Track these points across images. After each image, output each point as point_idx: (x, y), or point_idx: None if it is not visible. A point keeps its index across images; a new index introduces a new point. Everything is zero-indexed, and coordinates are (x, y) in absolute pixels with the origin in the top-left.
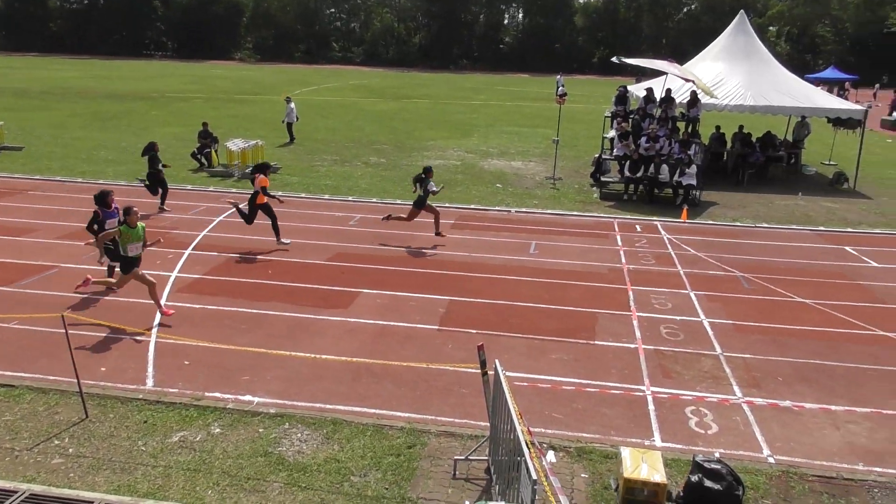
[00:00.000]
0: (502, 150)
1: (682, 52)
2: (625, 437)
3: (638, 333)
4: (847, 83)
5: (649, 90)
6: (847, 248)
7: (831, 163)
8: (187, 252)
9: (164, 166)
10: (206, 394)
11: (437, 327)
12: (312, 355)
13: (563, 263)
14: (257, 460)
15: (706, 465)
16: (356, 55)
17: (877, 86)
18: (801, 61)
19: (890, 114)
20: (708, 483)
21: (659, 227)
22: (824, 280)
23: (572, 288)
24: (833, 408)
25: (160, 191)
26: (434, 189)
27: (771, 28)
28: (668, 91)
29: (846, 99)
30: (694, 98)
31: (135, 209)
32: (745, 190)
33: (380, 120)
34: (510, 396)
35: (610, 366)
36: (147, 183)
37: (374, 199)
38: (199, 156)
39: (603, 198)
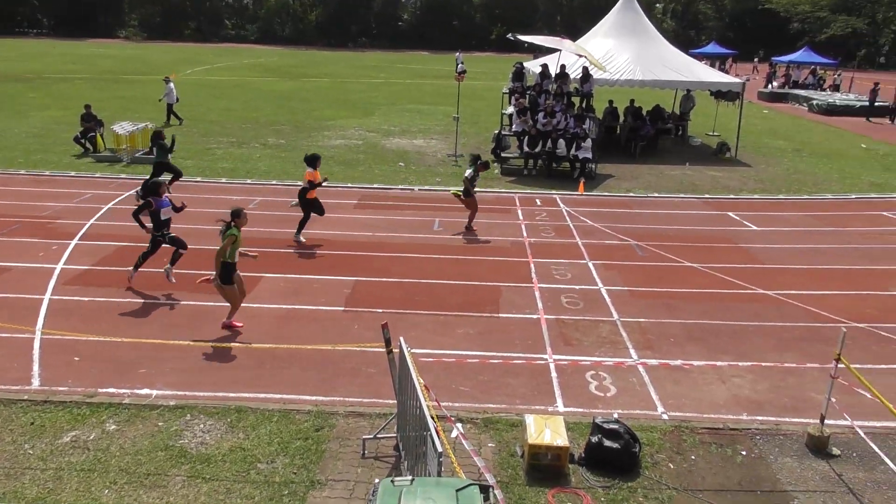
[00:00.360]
0: (404, 129)
1: (576, 29)
2: (529, 405)
3: (540, 304)
4: (728, 58)
5: (544, 66)
6: (730, 213)
7: (715, 133)
8: (73, 242)
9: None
10: (100, 390)
11: (342, 308)
12: (214, 344)
13: (466, 239)
14: (157, 455)
15: (605, 425)
16: (250, 33)
17: (756, 59)
18: (685, 37)
19: (766, 86)
20: (607, 443)
21: (558, 200)
22: (710, 245)
23: (476, 263)
24: (719, 364)
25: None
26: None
27: (657, 5)
28: (563, 67)
29: (727, 73)
30: (586, 73)
31: (244, 210)
32: (637, 161)
33: (277, 100)
34: (415, 372)
35: (514, 337)
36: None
37: (275, 182)
38: (82, 140)
39: (504, 173)
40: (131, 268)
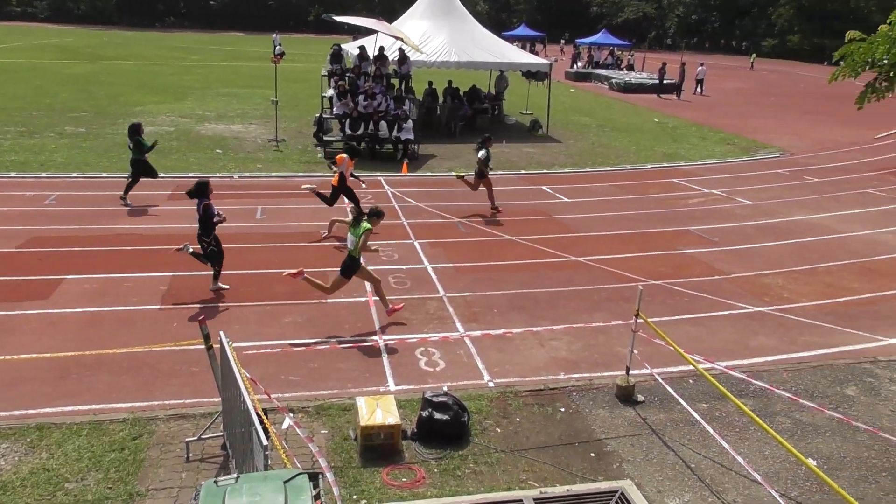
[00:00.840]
0: (220, 114)
1: (393, 11)
2: (361, 388)
3: (368, 287)
4: (538, 41)
5: (362, 48)
6: (544, 187)
7: (528, 112)
8: None
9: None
10: None
11: (158, 307)
12: (6, 357)
13: (292, 226)
14: None
15: (434, 399)
16: (39, 10)
17: (562, 41)
18: (497, 20)
19: (571, 66)
20: (437, 415)
21: (383, 181)
22: (527, 218)
23: (302, 250)
24: (538, 329)
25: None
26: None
27: None
28: (381, 49)
29: (536, 54)
30: (403, 55)
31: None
32: (457, 141)
33: (75, 84)
34: (237, 366)
35: (343, 322)
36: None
37: (75, 174)
38: None
39: (327, 157)
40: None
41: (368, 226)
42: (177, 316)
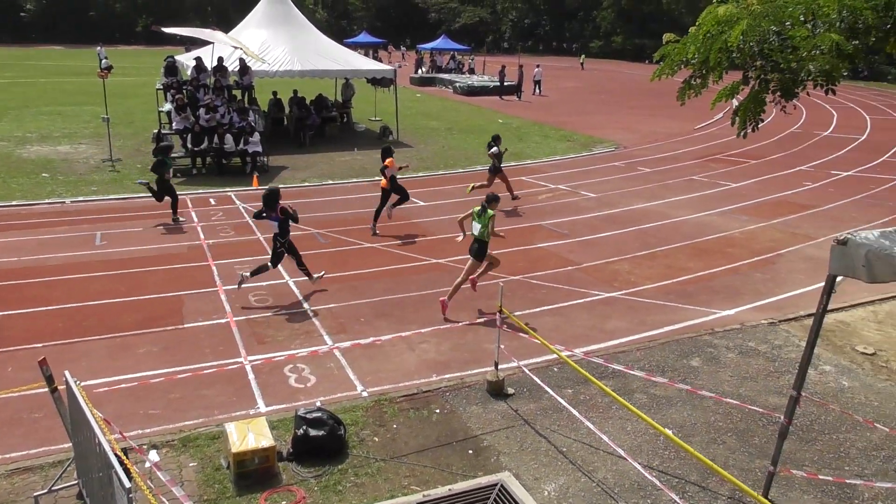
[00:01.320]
0: (44, 134)
1: (229, 20)
2: (229, 413)
3: (227, 307)
4: (381, 47)
5: (199, 60)
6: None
7: (377, 118)
8: None
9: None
10: None
11: None
12: None
13: (136, 250)
14: None
15: (308, 416)
16: None
17: (403, 48)
18: (338, 27)
19: (415, 72)
20: (312, 432)
21: (233, 197)
22: (386, 224)
23: (151, 274)
24: (406, 334)
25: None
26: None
27: None
28: (220, 60)
29: (379, 60)
30: (244, 66)
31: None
32: (308, 151)
33: None
34: (87, 407)
35: (203, 346)
36: (153, 188)
37: None
38: None
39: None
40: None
41: (492, 212)
42: (11, 359)
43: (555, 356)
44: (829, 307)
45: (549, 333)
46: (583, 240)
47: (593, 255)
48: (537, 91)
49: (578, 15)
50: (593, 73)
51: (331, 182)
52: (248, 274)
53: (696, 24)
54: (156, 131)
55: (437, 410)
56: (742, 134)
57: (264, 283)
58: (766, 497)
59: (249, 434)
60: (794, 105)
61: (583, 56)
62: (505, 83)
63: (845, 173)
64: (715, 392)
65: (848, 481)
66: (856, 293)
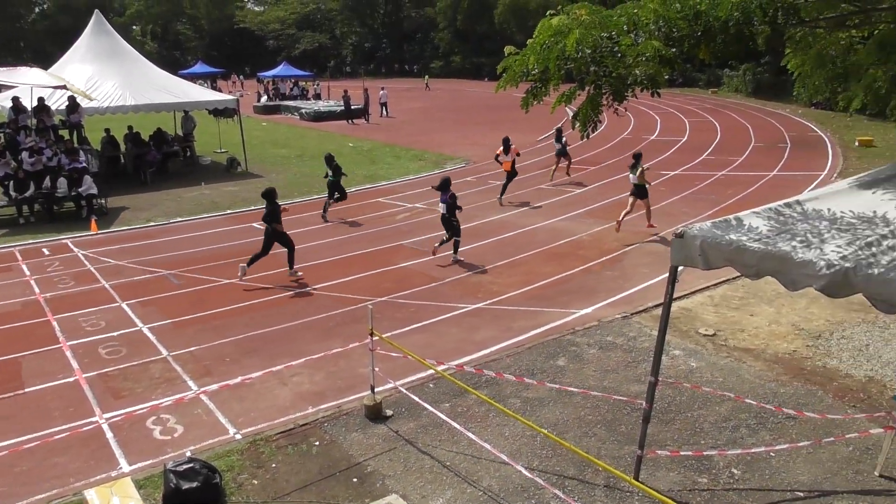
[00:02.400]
0: None
1: (46, 56)
2: (88, 479)
3: (75, 364)
4: (220, 76)
5: (16, 100)
6: (255, 224)
7: (223, 150)
8: None
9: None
10: None
11: None
12: None
13: None
14: None
15: (178, 468)
16: None
17: (241, 76)
18: (171, 58)
19: (258, 100)
20: (185, 485)
21: (70, 244)
22: (242, 259)
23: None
24: (277, 368)
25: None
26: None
27: (135, 27)
28: (41, 99)
29: (219, 90)
30: (74, 103)
31: None
32: (150, 189)
33: None
34: None
35: (51, 409)
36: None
37: None
38: None
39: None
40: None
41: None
42: None
43: (430, 372)
44: (674, 296)
45: (421, 350)
46: (444, 255)
47: (456, 269)
48: (384, 113)
49: (417, 37)
50: (438, 93)
51: (179, 220)
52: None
53: (534, 35)
54: None
55: (317, 443)
56: (585, 135)
57: (115, 334)
58: (637, 479)
59: (114, 498)
60: (625, 109)
61: (427, 77)
62: (351, 107)
63: (673, 173)
64: (582, 387)
65: (705, 453)
66: (693, 281)
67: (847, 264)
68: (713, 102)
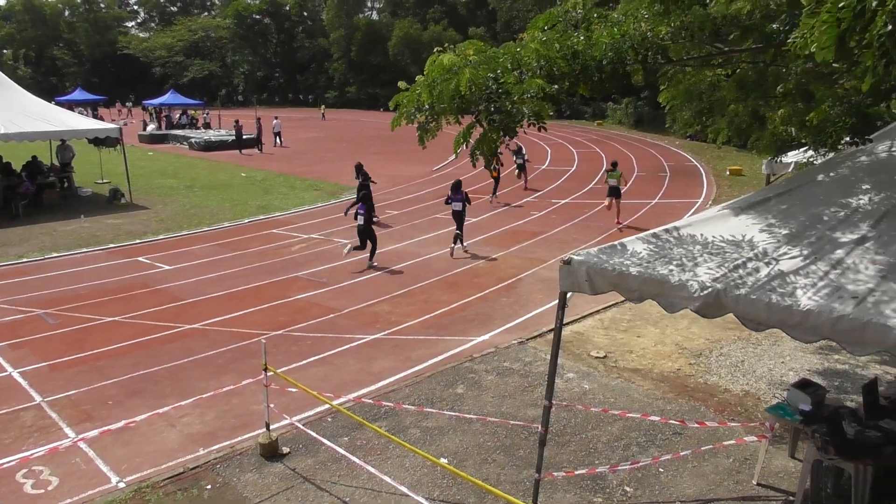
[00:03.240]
0: None
1: None
2: None
3: None
4: (101, 104)
5: None
6: (140, 258)
7: (105, 181)
8: None
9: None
10: None
11: None
12: None
13: None
14: None
15: None
16: None
17: (128, 104)
18: (47, 85)
19: (144, 129)
20: None
21: None
22: (128, 294)
23: None
24: (163, 410)
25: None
26: None
27: (5, 51)
28: None
29: (100, 118)
30: None
31: None
32: (22, 223)
33: None
34: None
35: None
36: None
37: None
38: None
39: None
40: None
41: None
42: None
43: (327, 406)
44: (565, 320)
45: (318, 384)
46: (342, 286)
47: (353, 299)
48: (278, 142)
49: (311, 67)
50: (334, 123)
51: (55, 255)
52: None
53: (425, 71)
54: None
55: (209, 486)
56: (493, 171)
57: None
58: (535, 503)
59: None
60: (515, 142)
61: (323, 106)
62: (242, 137)
63: (563, 201)
64: (480, 414)
65: (598, 471)
66: (584, 305)
67: (718, 286)
68: (598, 134)
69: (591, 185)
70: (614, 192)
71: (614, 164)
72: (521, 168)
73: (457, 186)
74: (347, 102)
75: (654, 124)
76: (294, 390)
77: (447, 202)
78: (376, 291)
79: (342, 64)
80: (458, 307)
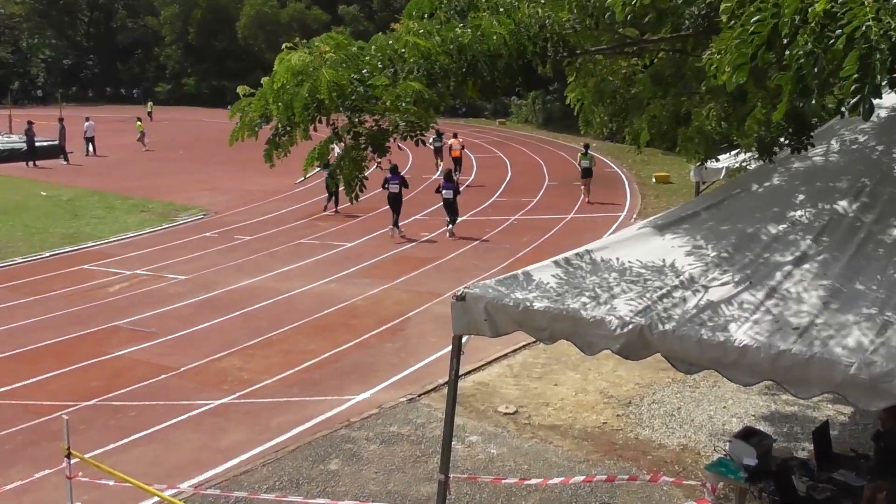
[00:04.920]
0: None
1: None
2: None
3: None
4: None
5: None
6: None
7: None
8: None
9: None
10: None
11: None
12: None
13: None
14: None
15: None
16: None
17: None
18: None
19: None
20: None
21: None
22: None
23: None
24: None
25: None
26: None
27: None
28: None
29: None
30: None
31: None
32: None
33: None
34: None
35: None
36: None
37: None
38: None
39: None
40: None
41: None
42: None
43: (156, 500)
44: (466, 368)
45: (146, 469)
46: (176, 336)
47: (193, 353)
48: (90, 150)
49: (136, 54)
50: (165, 124)
51: None
52: None
53: (272, 73)
54: None
55: None
56: (353, 197)
57: None
58: None
59: None
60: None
61: (150, 104)
62: (35, 144)
63: (460, 219)
64: (361, 496)
65: None
66: (488, 348)
67: (640, 321)
68: (501, 135)
69: (493, 199)
70: (587, 174)
71: (587, 147)
72: (438, 151)
73: (448, 174)
74: (185, 98)
75: (567, 123)
76: (110, 483)
77: (438, 190)
78: (223, 341)
79: (177, 50)
80: (330, 357)
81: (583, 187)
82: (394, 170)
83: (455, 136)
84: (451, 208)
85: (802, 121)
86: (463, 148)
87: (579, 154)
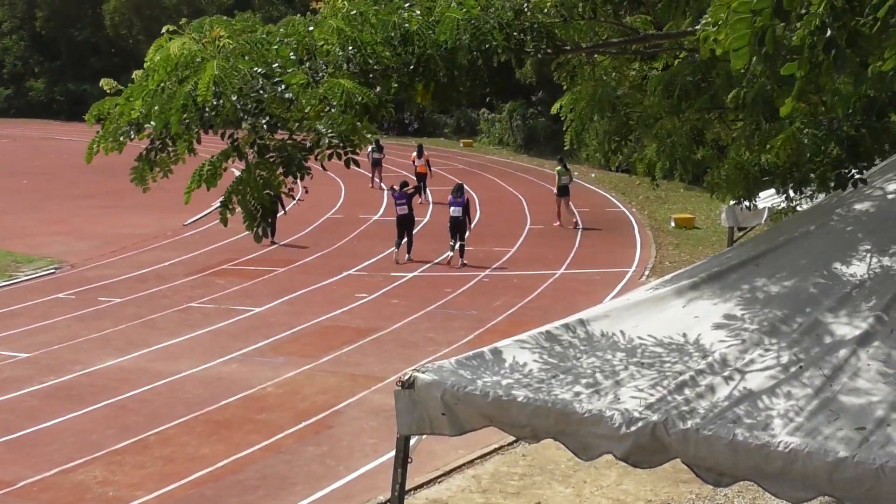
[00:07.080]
0: None
1: None
2: None
3: None
4: None
5: None
6: None
7: None
8: None
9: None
10: None
11: None
12: None
13: None
14: None
15: None
16: None
17: None
18: None
19: None
20: None
21: None
22: None
23: None
24: None
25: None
26: None
27: None
28: None
29: None
30: None
31: None
32: None
33: None
34: None
35: None
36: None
37: None
38: None
39: None
40: None
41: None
42: None
43: None
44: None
45: None
46: (14, 438)
47: (37, 462)
48: None
49: None
50: (3, 144)
51: None
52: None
53: (145, 65)
54: None
55: None
56: (256, 235)
57: None
58: None
59: None
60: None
61: None
62: None
63: (409, 275)
64: None
65: None
66: (447, 452)
67: (654, 417)
68: (467, 160)
69: (456, 244)
70: (564, 192)
71: (562, 160)
72: (377, 164)
73: (459, 188)
74: (29, 109)
75: (555, 145)
76: None
77: (450, 204)
78: (80, 444)
79: (18, 41)
80: (228, 467)
81: (557, 207)
82: (402, 186)
83: (420, 149)
84: (460, 228)
85: (854, 146)
86: (429, 164)
87: (557, 169)
